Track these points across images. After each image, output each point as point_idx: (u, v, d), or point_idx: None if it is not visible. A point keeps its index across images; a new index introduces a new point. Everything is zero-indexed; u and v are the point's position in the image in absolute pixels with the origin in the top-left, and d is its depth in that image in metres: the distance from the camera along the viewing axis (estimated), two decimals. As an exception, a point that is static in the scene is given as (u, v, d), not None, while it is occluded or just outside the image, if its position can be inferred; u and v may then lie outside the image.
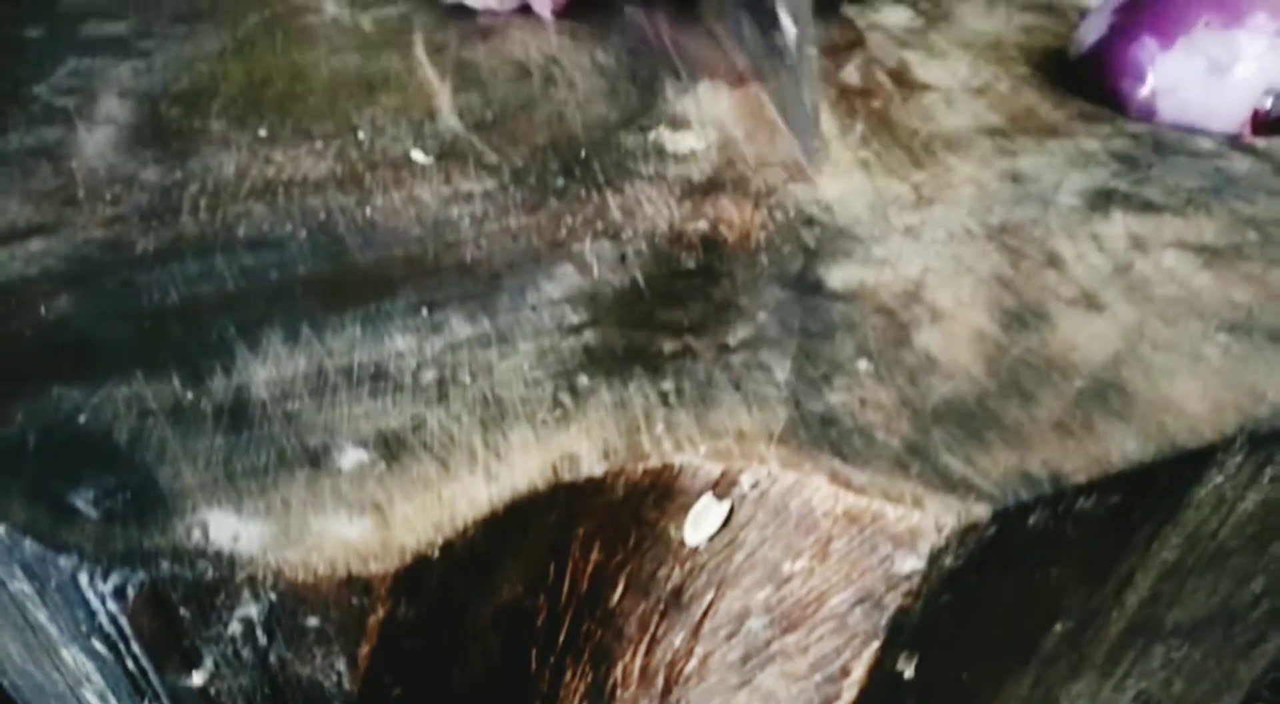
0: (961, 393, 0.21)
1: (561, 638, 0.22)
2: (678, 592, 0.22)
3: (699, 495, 0.20)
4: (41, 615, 0.19)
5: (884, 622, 0.20)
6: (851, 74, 0.33)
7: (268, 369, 0.21)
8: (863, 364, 0.21)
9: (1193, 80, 0.30)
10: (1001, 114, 0.31)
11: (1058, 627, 0.24)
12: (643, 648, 0.23)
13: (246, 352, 0.21)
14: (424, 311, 0.22)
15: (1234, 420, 0.21)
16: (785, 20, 0.27)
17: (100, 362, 0.21)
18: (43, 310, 0.22)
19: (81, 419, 0.19)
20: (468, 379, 0.21)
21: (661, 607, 0.22)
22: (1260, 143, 0.31)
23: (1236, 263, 0.25)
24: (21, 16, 0.34)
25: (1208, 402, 0.21)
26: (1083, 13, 0.40)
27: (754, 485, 0.19)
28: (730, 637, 0.22)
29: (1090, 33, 0.33)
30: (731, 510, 0.20)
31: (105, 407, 0.19)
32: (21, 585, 0.18)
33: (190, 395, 0.20)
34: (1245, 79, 0.30)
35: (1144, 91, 0.31)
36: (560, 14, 0.35)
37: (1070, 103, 0.32)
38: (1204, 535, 0.23)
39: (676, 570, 0.21)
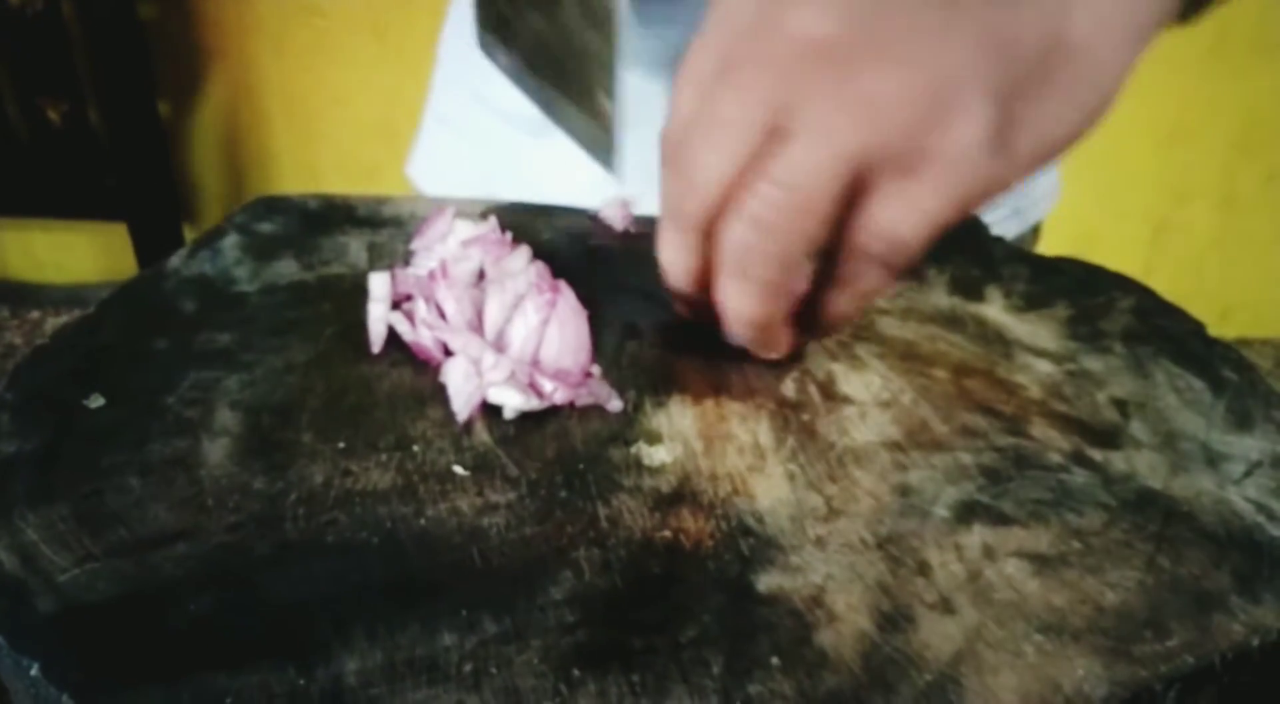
0: (843, 685, 0.30)
1: None
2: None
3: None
4: None
5: None
6: (789, 387, 0.43)
7: (355, 661, 0.29)
8: (775, 660, 0.30)
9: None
10: (901, 427, 0.41)
11: None
12: None
13: (340, 646, 0.30)
14: (463, 612, 0.31)
15: (1033, 709, 0.29)
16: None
17: (237, 653, 0.29)
18: (192, 607, 0.31)
19: (229, 702, 0.28)
20: (494, 670, 0.29)
21: None
22: (1098, 455, 0.40)
23: (1061, 570, 0.34)
24: (150, 327, 0.44)
25: (1019, 693, 0.30)
26: (977, 322, 0.50)
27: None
28: None
29: (972, 359, 0.43)
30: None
31: (244, 692, 0.28)
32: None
33: (302, 682, 0.28)
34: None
35: (1009, 413, 0.41)
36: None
37: (955, 416, 0.42)
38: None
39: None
